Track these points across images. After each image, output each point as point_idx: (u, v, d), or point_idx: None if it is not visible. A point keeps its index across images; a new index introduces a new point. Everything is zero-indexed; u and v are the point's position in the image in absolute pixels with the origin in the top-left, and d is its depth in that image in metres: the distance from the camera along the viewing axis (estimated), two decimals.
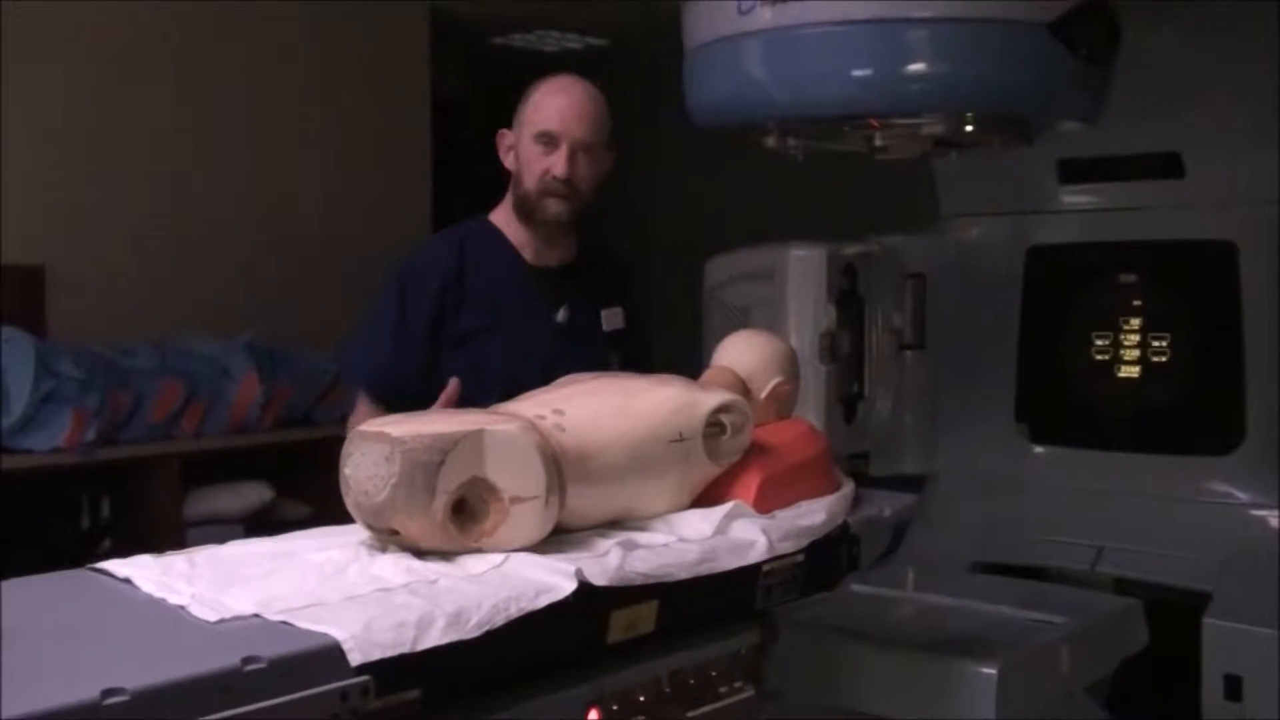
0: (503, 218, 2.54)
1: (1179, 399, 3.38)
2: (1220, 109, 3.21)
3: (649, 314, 2.71)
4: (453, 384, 2.25)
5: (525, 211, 2.48)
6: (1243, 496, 3.25)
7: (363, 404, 2.47)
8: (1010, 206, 3.61)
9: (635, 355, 2.62)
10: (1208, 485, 3.29)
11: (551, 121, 2.42)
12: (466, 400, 2.35)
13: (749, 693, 1.97)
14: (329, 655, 1.34)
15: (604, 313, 2.59)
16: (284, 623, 1.40)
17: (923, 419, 3.58)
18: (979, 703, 2.47)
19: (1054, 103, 2.61)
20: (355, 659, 1.35)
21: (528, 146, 2.44)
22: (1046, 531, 3.39)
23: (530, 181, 2.44)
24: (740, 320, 3.19)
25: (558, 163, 2.41)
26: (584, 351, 2.47)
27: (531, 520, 1.70)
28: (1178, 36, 3.24)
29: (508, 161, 2.51)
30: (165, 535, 3.87)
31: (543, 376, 2.29)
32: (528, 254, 2.52)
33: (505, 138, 2.51)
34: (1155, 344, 3.40)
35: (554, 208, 2.45)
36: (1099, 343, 3.48)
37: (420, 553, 1.67)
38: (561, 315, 2.51)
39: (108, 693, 1.18)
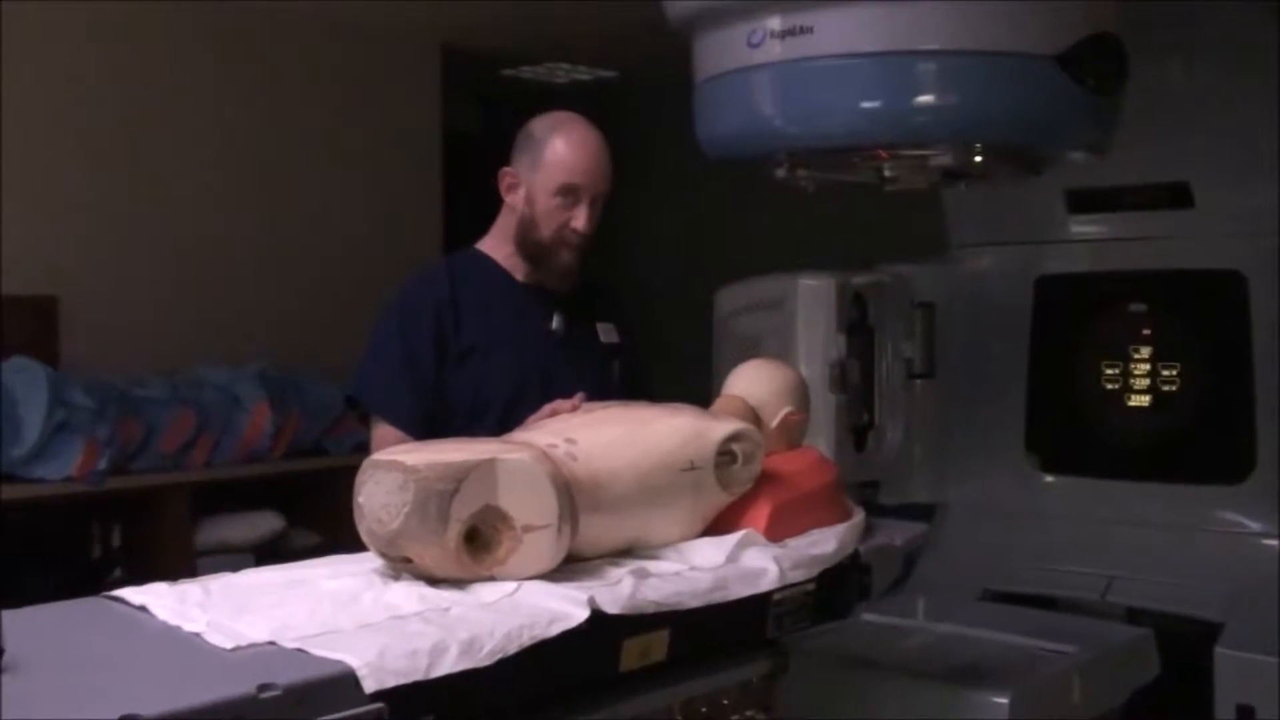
0: (491, 245, 2.53)
1: (1188, 428, 3.38)
2: (1229, 139, 3.22)
3: (639, 337, 2.69)
4: (577, 397, 2.21)
5: (535, 258, 2.45)
6: (1253, 525, 3.24)
7: (383, 431, 2.41)
8: (1019, 236, 3.62)
9: (638, 367, 2.61)
10: (1218, 514, 3.29)
11: (576, 176, 2.39)
12: (471, 413, 2.36)
13: None
14: (343, 682, 1.35)
15: (599, 326, 2.57)
16: (299, 650, 1.41)
17: (932, 448, 3.58)
18: None
19: (1062, 134, 2.62)
20: (369, 686, 1.36)
21: (545, 197, 2.40)
22: (1057, 561, 3.38)
23: (547, 231, 2.41)
24: (751, 350, 3.19)
25: (579, 217, 2.39)
26: (584, 360, 2.47)
27: (544, 548, 1.71)
28: (1185, 67, 3.26)
29: (512, 199, 2.47)
30: (176, 564, 3.88)
31: (544, 385, 2.31)
32: (518, 275, 2.50)
33: (509, 176, 2.47)
34: (1165, 373, 3.40)
35: (568, 259, 2.44)
36: (1109, 372, 3.48)
37: (433, 581, 1.68)
38: (556, 324, 2.48)
39: (126, 719, 1.19)
